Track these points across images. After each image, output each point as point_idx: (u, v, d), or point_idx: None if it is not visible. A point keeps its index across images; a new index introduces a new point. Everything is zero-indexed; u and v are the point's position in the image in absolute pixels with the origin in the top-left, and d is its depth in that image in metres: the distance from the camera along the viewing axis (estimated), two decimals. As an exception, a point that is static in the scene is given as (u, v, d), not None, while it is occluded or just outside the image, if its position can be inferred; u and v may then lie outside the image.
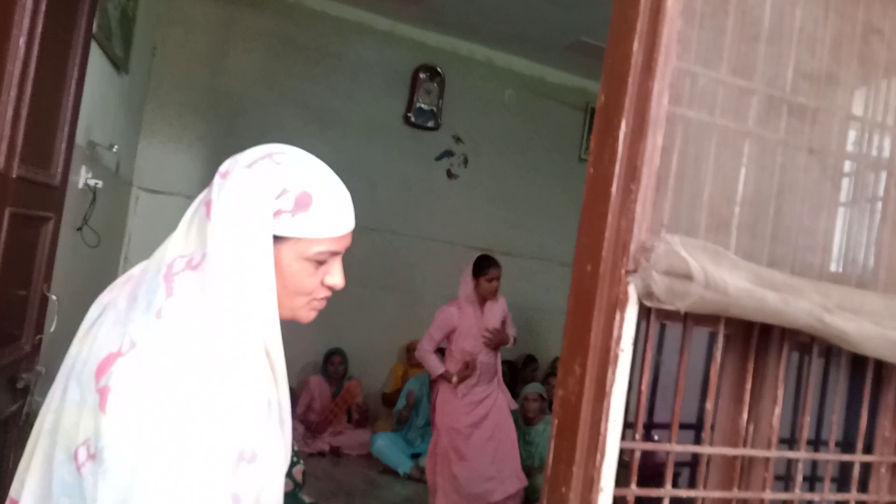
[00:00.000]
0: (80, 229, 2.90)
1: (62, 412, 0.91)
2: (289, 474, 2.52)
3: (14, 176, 1.57)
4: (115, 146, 3.38)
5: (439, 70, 5.68)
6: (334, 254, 1.00)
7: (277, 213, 0.93)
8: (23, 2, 1.50)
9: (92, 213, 2.95)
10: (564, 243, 6.04)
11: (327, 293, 1.04)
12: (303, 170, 0.96)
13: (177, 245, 0.94)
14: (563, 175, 6.07)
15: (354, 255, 5.88)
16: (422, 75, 5.65)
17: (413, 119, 5.65)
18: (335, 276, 1.02)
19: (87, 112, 2.68)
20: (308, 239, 0.96)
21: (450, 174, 5.87)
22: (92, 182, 2.89)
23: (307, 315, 1.04)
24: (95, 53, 2.78)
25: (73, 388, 0.90)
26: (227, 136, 5.02)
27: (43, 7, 1.57)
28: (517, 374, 5.49)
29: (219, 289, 0.89)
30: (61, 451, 0.89)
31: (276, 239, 0.94)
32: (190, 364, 0.86)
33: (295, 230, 0.94)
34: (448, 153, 5.86)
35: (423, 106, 5.69)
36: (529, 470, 4.44)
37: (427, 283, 5.67)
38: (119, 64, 3.41)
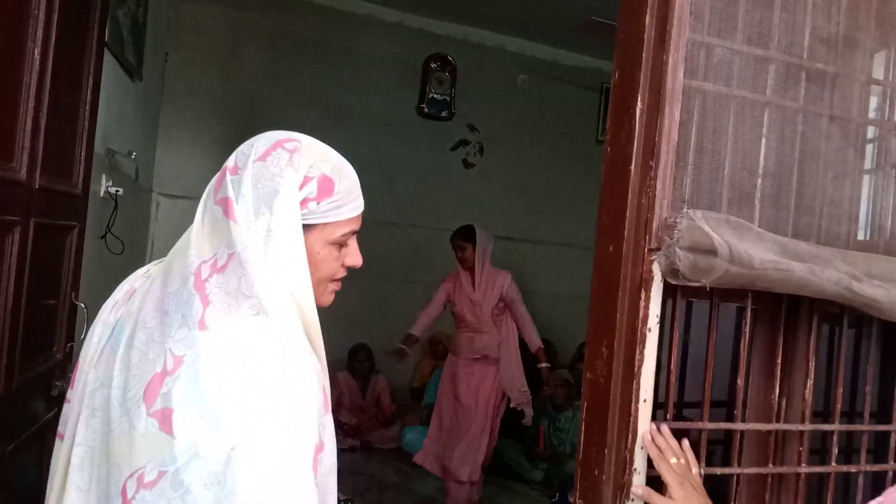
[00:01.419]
0: (103, 237, 2.94)
1: (95, 444, 0.88)
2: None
3: (36, 186, 1.59)
4: (134, 153, 3.41)
5: (451, 59, 5.66)
6: (354, 233, 1.01)
7: (304, 203, 0.92)
8: (36, 13, 1.51)
9: (114, 220, 2.99)
10: (585, 227, 5.98)
11: (344, 274, 1.04)
12: (317, 155, 0.96)
13: (197, 250, 0.91)
14: (580, 158, 6.02)
15: (375, 250, 5.87)
16: (433, 65, 5.63)
17: (427, 110, 5.63)
18: (354, 256, 1.03)
19: (104, 120, 2.70)
20: (333, 223, 0.96)
21: (466, 163, 5.85)
22: (113, 190, 2.93)
23: (328, 299, 1.03)
24: (109, 62, 2.80)
25: (113, 417, 0.86)
26: (243, 137, 4.95)
27: (56, 17, 1.59)
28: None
29: (257, 287, 0.87)
30: (102, 485, 0.86)
31: (304, 227, 0.93)
32: (251, 368, 0.84)
33: (322, 216, 0.94)
34: (463, 142, 5.84)
35: (435, 96, 5.66)
36: (561, 456, 4.43)
37: (448, 274, 5.66)
38: (132, 71, 3.44)
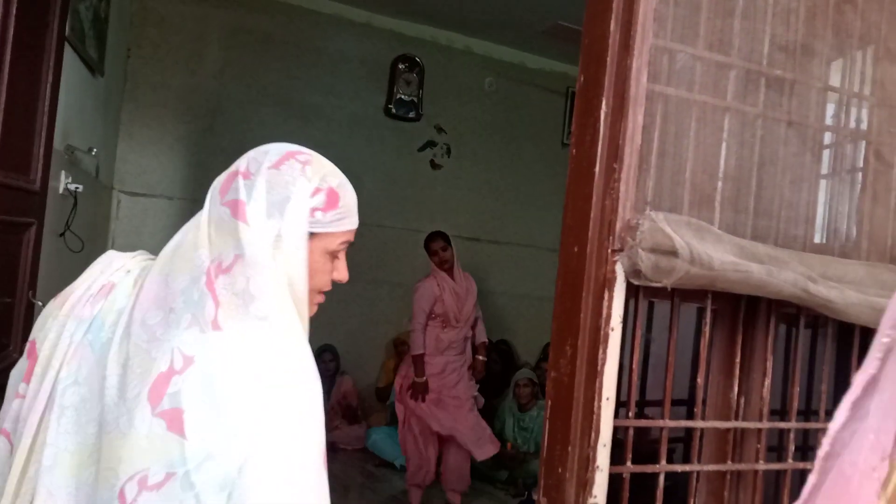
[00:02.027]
0: (62, 235, 2.87)
1: (69, 446, 0.86)
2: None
3: (-8, 182, 1.55)
4: (94, 150, 3.33)
5: (418, 60, 5.66)
6: (348, 244, 1.03)
7: (312, 212, 0.95)
8: (-8, 6, 1.48)
9: (74, 217, 2.92)
10: (551, 230, 6.04)
11: (330, 288, 1.05)
12: (327, 169, 1.00)
13: (207, 250, 0.91)
14: (547, 161, 6.07)
15: (342, 250, 5.76)
16: (401, 66, 5.62)
17: (394, 110, 5.62)
18: (341, 271, 1.05)
19: (64, 116, 2.65)
20: (334, 233, 0.99)
21: (433, 165, 5.86)
22: (72, 187, 2.86)
23: (312, 310, 1.03)
24: (69, 56, 2.74)
25: (108, 418, 0.84)
26: (207, 135, 4.98)
27: (13, 10, 1.55)
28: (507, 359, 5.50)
29: (268, 290, 0.88)
30: (87, 489, 0.84)
31: (308, 235, 0.96)
32: (265, 372, 0.85)
33: (326, 226, 0.97)
34: (431, 143, 5.84)
35: (403, 97, 5.66)
36: (525, 455, 4.46)
37: (416, 276, 5.65)
38: (94, 66, 3.37)
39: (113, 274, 0.99)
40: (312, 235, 0.97)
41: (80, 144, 3.15)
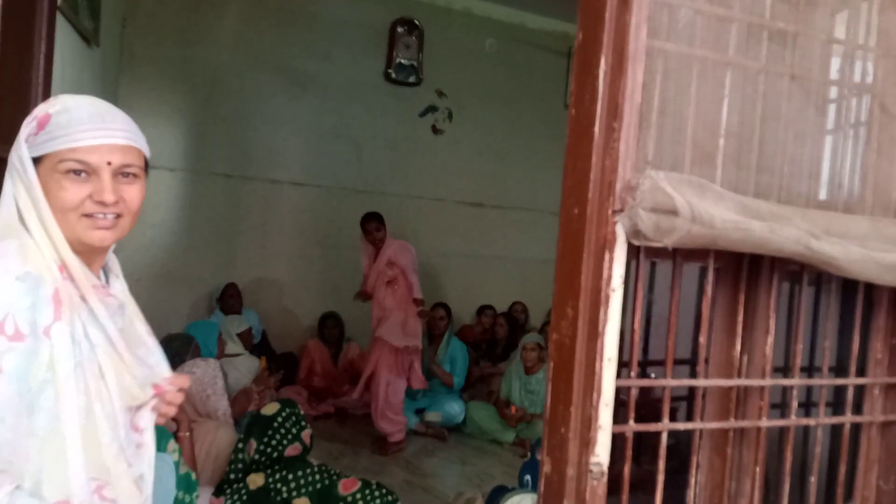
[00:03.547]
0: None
1: None
2: (298, 438, 2.55)
3: (-14, 156, 1.54)
4: (93, 122, 3.32)
5: (417, 23, 5.58)
6: (90, 167, 1.06)
7: (27, 139, 1.06)
8: (-22, -25, 1.45)
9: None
10: (554, 193, 5.98)
11: (99, 208, 1.07)
12: (51, 102, 1.09)
13: None
14: (548, 123, 6.02)
15: (344, 218, 5.81)
16: (399, 29, 5.54)
17: (394, 75, 5.56)
18: (98, 192, 1.07)
19: (60, 88, 2.62)
20: (54, 153, 1.04)
21: (435, 130, 5.81)
22: (71, 160, 2.85)
23: (88, 234, 1.07)
24: (63, 27, 2.71)
25: None
26: (205, 106, 4.94)
27: (0, -20, 1.52)
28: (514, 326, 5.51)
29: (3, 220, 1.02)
30: None
31: (34, 162, 1.05)
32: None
33: (39, 148, 1.05)
34: (432, 108, 5.80)
35: (402, 61, 5.59)
36: (532, 417, 4.51)
37: (420, 241, 5.64)
38: (89, 37, 3.33)
39: None
40: (38, 161, 1.05)
41: (78, 117, 3.13)
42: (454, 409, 4.70)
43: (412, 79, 5.63)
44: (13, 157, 1.06)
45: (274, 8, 5.13)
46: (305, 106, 5.23)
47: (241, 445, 2.54)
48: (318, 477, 2.47)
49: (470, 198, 5.94)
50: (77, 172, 1.04)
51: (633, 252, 1.39)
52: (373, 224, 4.37)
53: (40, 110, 1.07)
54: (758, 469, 1.61)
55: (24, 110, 1.84)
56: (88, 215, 1.06)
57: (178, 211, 4.90)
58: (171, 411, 1.22)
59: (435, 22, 5.65)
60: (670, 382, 1.46)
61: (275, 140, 5.17)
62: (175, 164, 4.79)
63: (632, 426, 1.42)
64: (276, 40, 5.15)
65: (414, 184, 5.70)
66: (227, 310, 4.72)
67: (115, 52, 4.46)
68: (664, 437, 1.48)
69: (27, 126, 1.06)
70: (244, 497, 2.39)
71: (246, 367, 4.05)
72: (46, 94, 1.94)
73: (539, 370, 4.60)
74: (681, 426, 1.50)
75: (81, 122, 1.05)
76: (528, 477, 2.63)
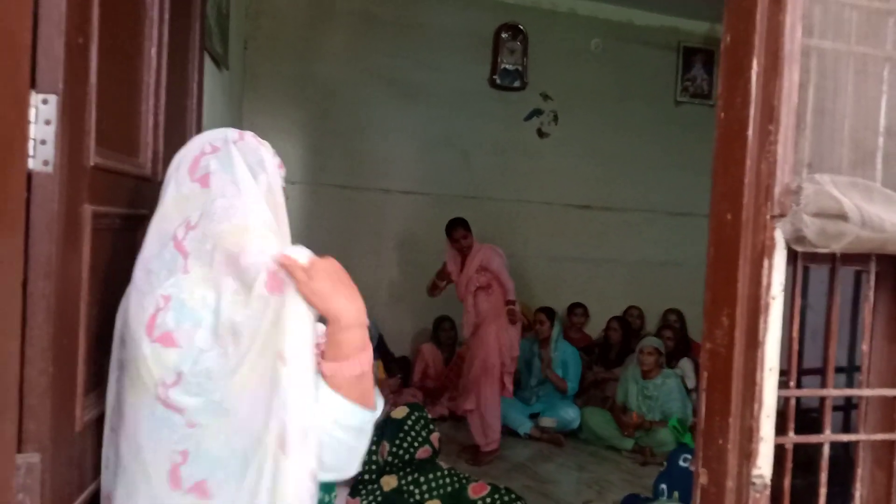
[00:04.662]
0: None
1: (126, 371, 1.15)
2: (427, 440, 2.61)
3: (159, 181, 1.68)
4: (225, 141, 3.53)
5: (521, 28, 5.58)
6: None
7: (279, 167, 1.27)
8: (151, 14, 1.58)
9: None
10: (668, 192, 5.85)
11: None
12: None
13: (171, 220, 1.16)
14: (659, 121, 5.87)
15: (454, 225, 5.78)
16: (504, 35, 5.57)
17: (499, 81, 5.59)
18: None
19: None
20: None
21: (540, 133, 5.80)
22: (210, 178, 3.05)
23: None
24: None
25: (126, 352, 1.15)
26: (322, 118, 5.15)
27: (167, 16, 1.66)
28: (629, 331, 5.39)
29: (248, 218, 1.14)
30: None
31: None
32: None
33: (281, 180, 1.27)
34: (537, 112, 5.78)
35: (507, 66, 5.61)
36: (651, 424, 4.40)
37: (529, 246, 5.66)
38: (220, 61, 3.55)
39: None
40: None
41: (213, 137, 3.34)
42: (569, 414, 4.66)
43: (517, 83, 5.64)
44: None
45: (383, 22, 5.28)
46: (414, 116, 5.35)
47: (374, 448, 2.63)
48: (448, 480, 2.52)
49: (578, 200, 5.88)
50: None
51: (791, 258, 1.35)
52: (459, 231, 4.30)
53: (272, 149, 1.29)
54: (926, 484, 1.52)
55: (183, 136, 1.99)
56: None
57: (299, 221, 5.13)
58: None
59: (539, 25, 5.64)
60: (832, 392, 1.41)
61: (385, 150, 5.31)
62: (295, 178, 5.01)
63: (792, 437, 1.38)
64: (386, 53, 5.29)
65: (521, 188, 5.70)
66: (346, 316, 4.88)
67: (240, 72, 4.72)
68: (826, 449, 1.43)
69: (273, 157, 1.27)
70: (379, 498, 2.48)
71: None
72: (199, 120, 2.08)
73: (657, 375, 4.49)
74: (844, 438, 1.44)
75: None
76: (663, 486, 2.58)
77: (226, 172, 1.17)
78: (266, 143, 1.27)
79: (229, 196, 1.14)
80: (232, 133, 1.24)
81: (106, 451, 1.24)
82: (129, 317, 1.14)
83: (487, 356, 4.22)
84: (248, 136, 1.25)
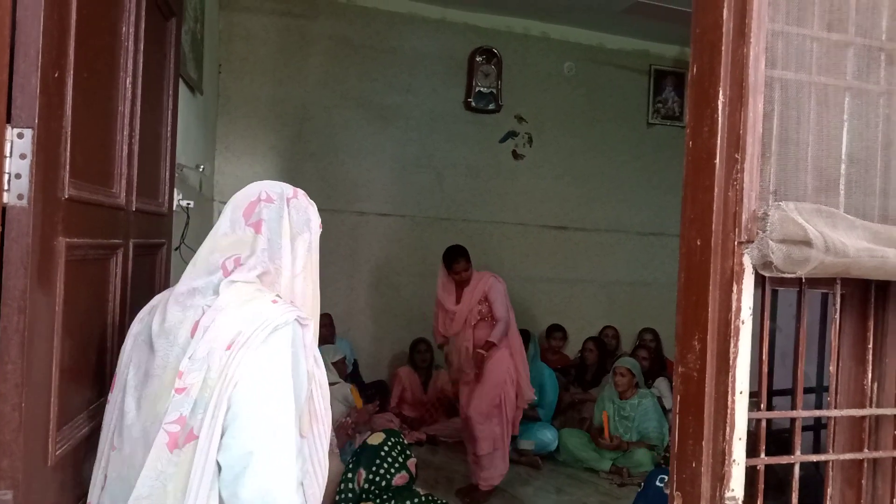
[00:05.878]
0: (177, 249, 3.04)
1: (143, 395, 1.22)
2: (404, 466, 2.60)
3: (133, 209, 1.67)
4: (202, 166, 3.52)
5: (496, 51, 5.66)
6: None
7: (320, 226, 1.42)
8: (126, 45, 1.58)
9: (187, 232, 3.09)
10: (641, 212, 5.93)
11: None
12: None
13: (220, 254, 1.27)
14: (632, 143, 5.97)
15: (428, 246, 5.89)
16: (478, 59, 5.63)
17: (473, 104, 5.65)
18: None
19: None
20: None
21: (515, 155, 5.85)
22: (184, 203, 3.02)
23: None
24: (175, 80, 2.89)
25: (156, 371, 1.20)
26: (296, 142, 5.15)
27: (142, 46, 1.66)
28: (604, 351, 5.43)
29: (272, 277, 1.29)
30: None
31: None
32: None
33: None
34: (512, 134, 5.84)
35: (482, 89, 5.67)
36: (628, 446, 4.42)
37: (504, 267, 5.66)
38: (194, 86, 3.54)
39: (154, 301, 1.35)
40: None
41: (187, 162, 3.33)
42: (547, 436, 4.66)
43: (492, 106, 5.70)
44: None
45: (358, 45, 5.31)
46: (389, 138, 5.37)
47: (350, 475, 2.61)
48: (426, 506, 2.51)
49: (553, 221, 5.93)
50: None
51: (758, 281, 1.38)
52: (461, 263, 3.94)
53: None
54: (894, 501, 1.55)
55: (157, 163, 1.98)
56: None
57: (273, 245, 5.10)
58: None
59: (513, 49, 5.72)
60: (801, 414, 1.44)
61: (360, 172, 5.32)
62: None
63: (763, 459, 1.40)
64: (360, 76, 5.32)
65: (496, 210, 5.74)
66: (321, 340, 4.82)
67: (214, 96, 4.71)
68: (797, 470, 1.46)
69: (317, 217, 1.41)
70: (356, 525, 2.46)
71: (342, 394, 4.16)
72: (174, 147, 2.08)
73: (633, 395, 4.52)
74: (814, 458, 1.47)
75: None
76: (640, 507, 2.59)
77: (274, 223, 1.31)
78: (314, 203, 1.41)
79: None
80: (288, 190, 1.37)
81: (97, 472, 1.26)
82: (168, 324, 1.22)
83: (498, 390, 3.93)
84: (301, 195, 1.39)
